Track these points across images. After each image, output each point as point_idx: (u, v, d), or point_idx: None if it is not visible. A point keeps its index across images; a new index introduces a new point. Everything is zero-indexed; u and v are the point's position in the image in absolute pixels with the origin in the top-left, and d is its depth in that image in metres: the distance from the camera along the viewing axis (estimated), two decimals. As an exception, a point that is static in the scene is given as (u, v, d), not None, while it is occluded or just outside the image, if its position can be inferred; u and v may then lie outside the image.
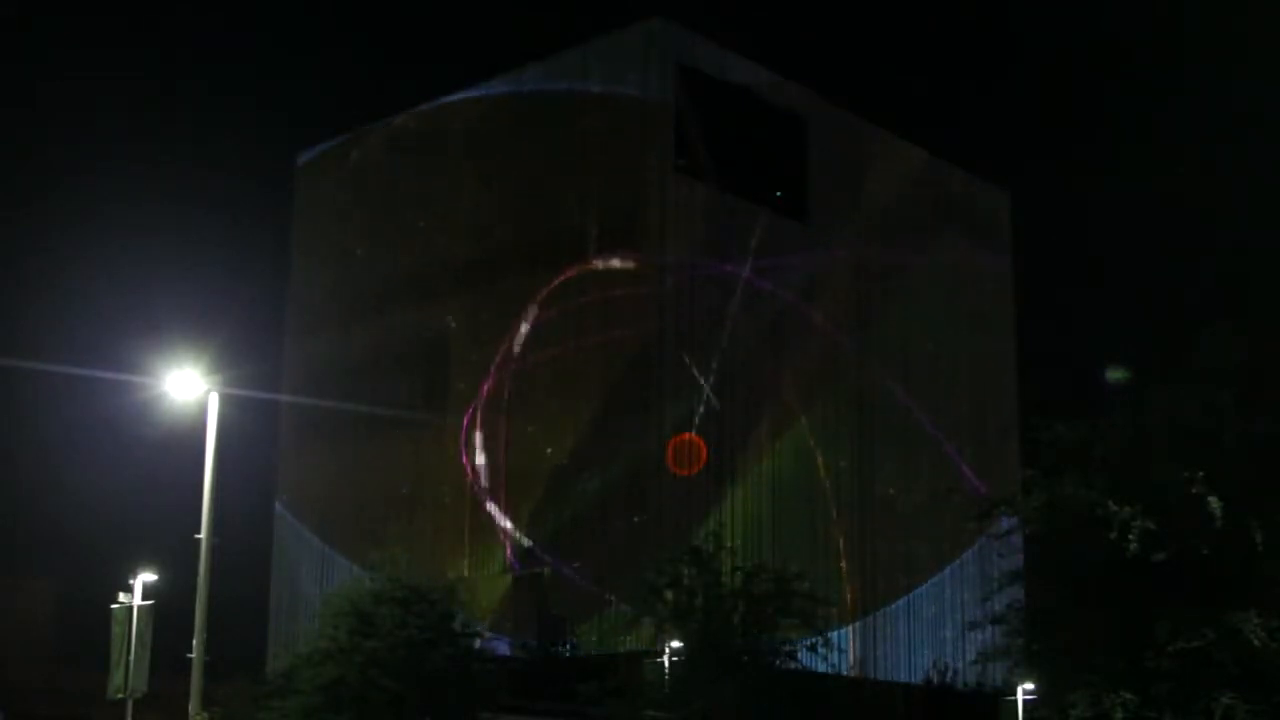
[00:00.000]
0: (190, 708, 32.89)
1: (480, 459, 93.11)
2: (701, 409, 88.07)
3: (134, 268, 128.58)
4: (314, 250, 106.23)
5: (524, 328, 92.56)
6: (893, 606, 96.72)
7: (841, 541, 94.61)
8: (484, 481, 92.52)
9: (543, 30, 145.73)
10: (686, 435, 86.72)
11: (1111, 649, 26.45)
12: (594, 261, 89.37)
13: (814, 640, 45.19)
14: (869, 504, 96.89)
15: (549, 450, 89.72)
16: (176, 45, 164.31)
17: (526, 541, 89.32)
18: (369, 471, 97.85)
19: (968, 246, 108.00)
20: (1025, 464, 29.80)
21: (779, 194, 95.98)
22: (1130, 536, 25.79)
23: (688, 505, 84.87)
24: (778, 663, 44.19)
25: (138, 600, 34.30)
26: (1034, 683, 37.00)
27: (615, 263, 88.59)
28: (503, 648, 76.25)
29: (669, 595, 45.85)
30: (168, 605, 35.44)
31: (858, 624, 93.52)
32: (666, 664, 48.48)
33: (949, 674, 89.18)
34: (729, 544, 77.98)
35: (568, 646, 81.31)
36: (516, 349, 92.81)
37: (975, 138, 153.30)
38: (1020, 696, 55.08)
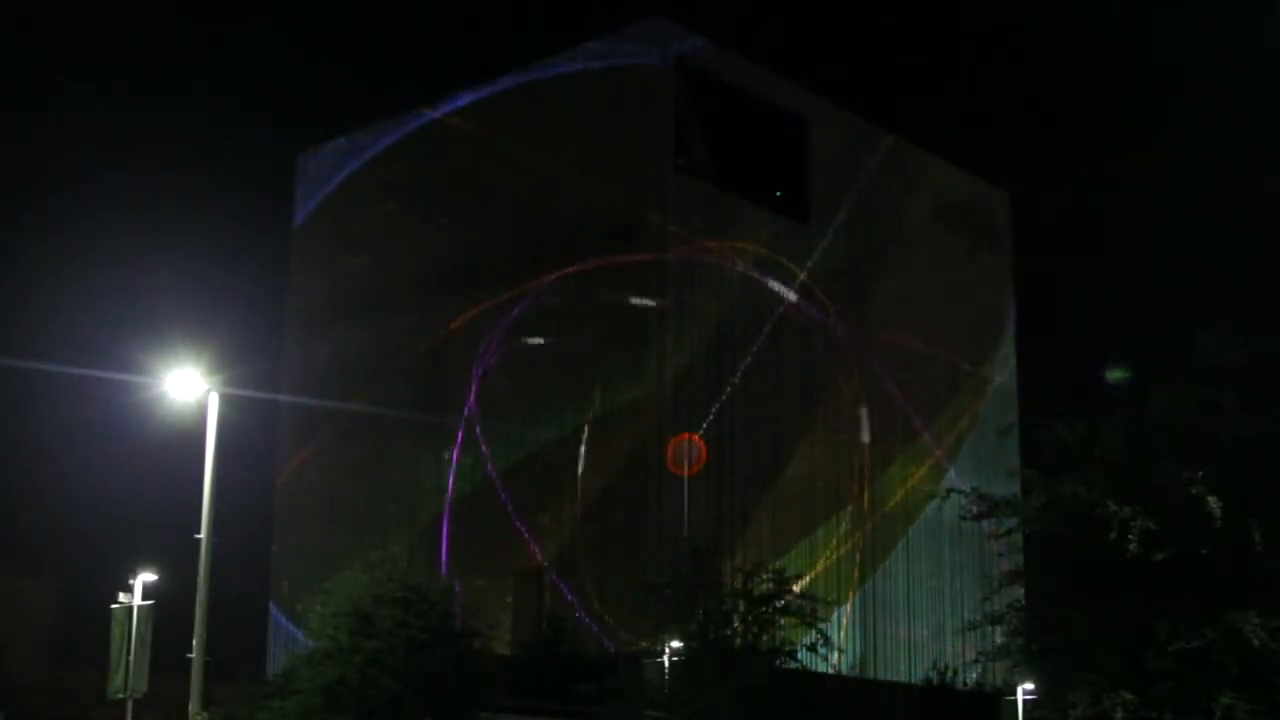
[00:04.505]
0: (190, 708, 32.92)
1: (479, 459, 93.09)
2: (703, 409, 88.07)
3: (134, 267, 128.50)
4: (314, 250, 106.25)
5: (524, 327, 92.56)
6: (893, 606, 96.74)
7: (841, 540, 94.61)
8: (483, 481, 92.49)
9: (543, 29, 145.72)
10: (686, 435, 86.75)
11: (1111, 649, 26.42)
12: (594, 261, 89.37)
13: (814, 640, 45.21)
14: (869, 503, 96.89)
15: (548, 450, 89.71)
16: (177, 45, 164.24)
17: (525, 540, 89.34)
18: (368, 471, 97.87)
19: (968, 246, 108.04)
20: (1025, 464, 29.74)
21: (779, 194, 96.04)
22: (1130, 536, 25.76)
23: (688, 505, 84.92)
24: (778, 663, 44.17)
25: (138, 600, 34.37)
26: (1034, 683, 36.98)
27: (615, 262, 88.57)
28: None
29: (669, 595, 45.90)
30: (168, 605, 35.48)
31: (858, 624, 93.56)
32: (666, 664, 48.51)
33: (949, 674, 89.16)
34: (729, 544, 78.21)
35: (567, 646, 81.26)
36: (516, 349, 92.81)
37: (975, 138, 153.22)
38: (1020, 696, 55.11)
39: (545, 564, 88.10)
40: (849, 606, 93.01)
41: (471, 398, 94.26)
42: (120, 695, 33.62)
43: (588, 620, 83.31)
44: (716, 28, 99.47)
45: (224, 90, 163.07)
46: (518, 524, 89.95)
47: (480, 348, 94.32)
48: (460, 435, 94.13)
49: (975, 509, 29.45)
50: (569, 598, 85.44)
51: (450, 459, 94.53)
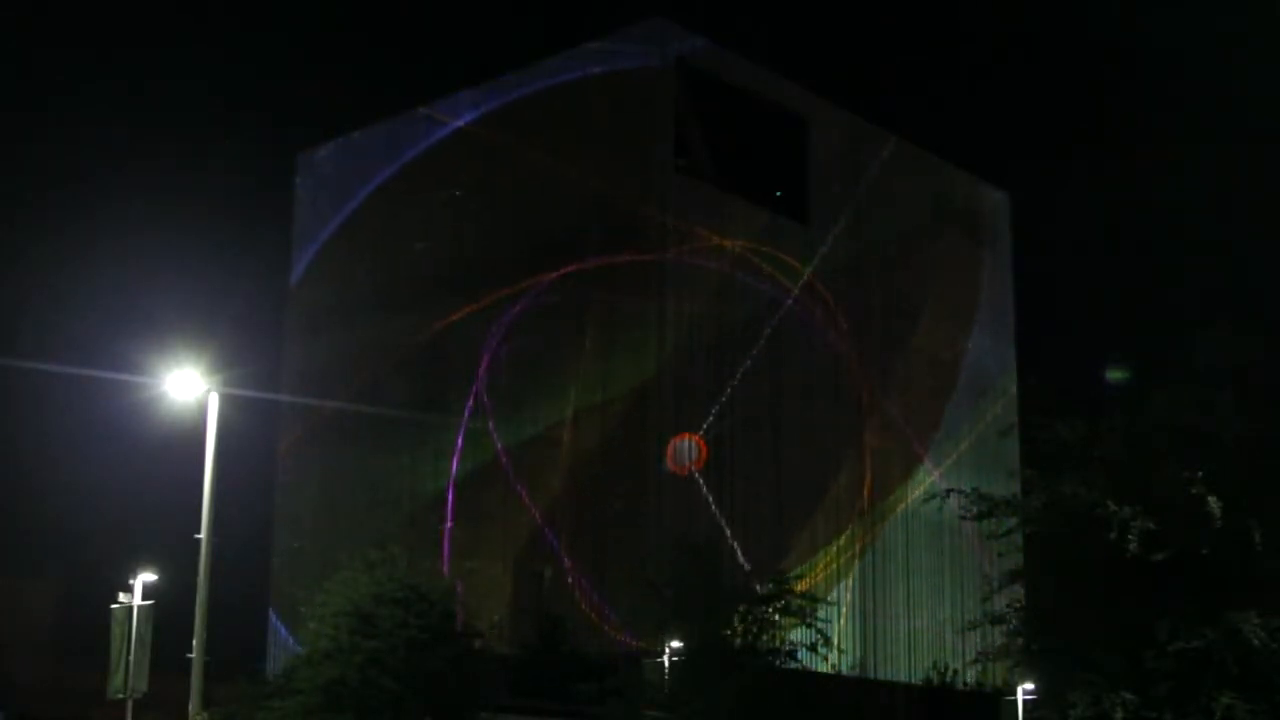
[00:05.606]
0: (190, 708, 32.93)
1: (479, 458, 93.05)
2: (703, 409, 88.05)
3: (134, 267, 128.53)
4: (314, 251, 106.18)
5: (524, 327, 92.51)
6: (893, 606, 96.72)
7: (841, 541, 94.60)
8: (482, 480, 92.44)
9: (543, 30, 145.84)
10: (686, 435, 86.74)
11: (1111, 649, 26.41)
12: (594, 261, 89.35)
13: (814, 640, 45.20)
14: (868, 503, 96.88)
15: (548, 450, 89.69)
16: (177, 45, 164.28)
17: (525, 539, 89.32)
18: (368, 470, 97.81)
19: (968, 246, 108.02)
20: (1025, 464, 29.72)
21: (779, 194, 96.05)
22: (1130, 536, 25.75)
23: (688, 505, 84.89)
24: (778, 663, 44.16)
25: (138, 600, 34.39)
26: (1034, 683, 37.00)
27: (615, 262, 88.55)
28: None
29: (669, 594, 45.90)
30: (168, 605, 35.50)
31: (858, 624, 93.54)
32: (666, 664, 48.51)
33: (949, 674, 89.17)
34: (730, 544, 78.26)
35: (567, 646, 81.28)
36: (516, 349, 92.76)
37: (975, 138, 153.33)
38: (1020, 696, 55.15)
39: (545, 563, 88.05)
40: (849, 606, 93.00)
41: (472, 398, 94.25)
42: (120, 695, 33.63)
43: (588, 619, 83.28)
44: (716, 28, 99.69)
45: (224, 90, 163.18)
46: (517, 523, 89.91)
47: (480, 347, 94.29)
48: (461, 436, 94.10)
49: (975, 509, 29.40)
50: (569, 597, 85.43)
51: (450, 459, 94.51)
